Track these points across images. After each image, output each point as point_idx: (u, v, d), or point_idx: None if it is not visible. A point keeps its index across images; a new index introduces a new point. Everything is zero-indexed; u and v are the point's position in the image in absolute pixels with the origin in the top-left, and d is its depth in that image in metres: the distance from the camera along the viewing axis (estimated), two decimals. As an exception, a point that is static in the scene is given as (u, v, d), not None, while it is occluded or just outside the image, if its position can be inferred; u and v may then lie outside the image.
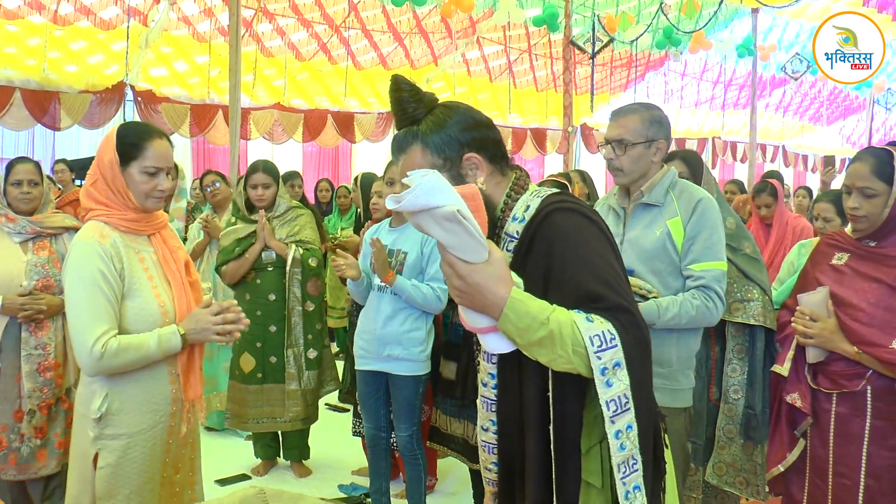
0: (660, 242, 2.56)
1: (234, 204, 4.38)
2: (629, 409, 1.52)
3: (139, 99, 10.68)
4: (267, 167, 4.23)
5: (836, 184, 7.31)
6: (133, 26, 10.01)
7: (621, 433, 1.52)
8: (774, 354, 3.21)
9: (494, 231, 1.73)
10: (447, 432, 3.62)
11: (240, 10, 7.60)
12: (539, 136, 15.62)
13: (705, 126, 18.34)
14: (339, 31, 11.89)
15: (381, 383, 3.65)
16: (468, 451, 3.56)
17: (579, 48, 9.86)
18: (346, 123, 12.91)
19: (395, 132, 1.77)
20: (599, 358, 1.48)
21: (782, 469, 2.65)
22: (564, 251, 1.59)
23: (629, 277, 2.50)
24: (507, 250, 1.69)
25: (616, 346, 1.49)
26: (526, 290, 1.57)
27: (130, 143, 2.38)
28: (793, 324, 2.56)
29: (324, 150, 13.77)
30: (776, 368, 2.67)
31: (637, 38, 11.05)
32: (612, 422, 1.51)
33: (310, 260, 4.17)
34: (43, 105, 9.96)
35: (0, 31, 9.64)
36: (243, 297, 4.19)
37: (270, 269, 4.17)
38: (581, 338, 1.48)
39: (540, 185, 3.77)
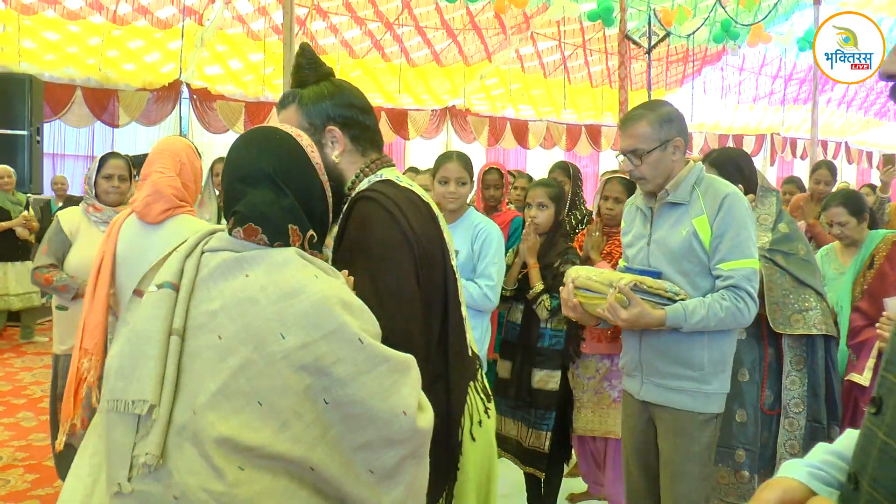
0: (686, 242, 2.43)
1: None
2: None
3: (194, 96, 10.87)
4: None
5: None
6: (188, 25, 10.18)
7: None
8: (834, 362, 3.05)
9: (341, 205, 1.84)
10: (502, 433, 3.54)
11: (293, 9, 7.63)
12: (593, 133, 15.47)
13: (763, 122, 17.98)
14: (393, 29, 11.91)
15: (436, 383, 3.59)
16: (521, 454, 3.50)
17: (635, 43, 9.67)
18: (399, 120, 12.94)
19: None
20: None
21: (855, 481, 2.51)
22: (353, 240, 1.72)
23: (656, 280, 2.39)
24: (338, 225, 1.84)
25: None
26: (340, 265, 1.71)
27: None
28: (878, 330, 2.41)
29: (377, 147, 13.82)
30: (854, 377, 2.53)
31: (694, 32, 10.82)
32: None
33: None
34: (102, 103, 10.21)
35: (62, 31, 9.89)
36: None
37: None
38: None
39: (608, 180, 3.66)
